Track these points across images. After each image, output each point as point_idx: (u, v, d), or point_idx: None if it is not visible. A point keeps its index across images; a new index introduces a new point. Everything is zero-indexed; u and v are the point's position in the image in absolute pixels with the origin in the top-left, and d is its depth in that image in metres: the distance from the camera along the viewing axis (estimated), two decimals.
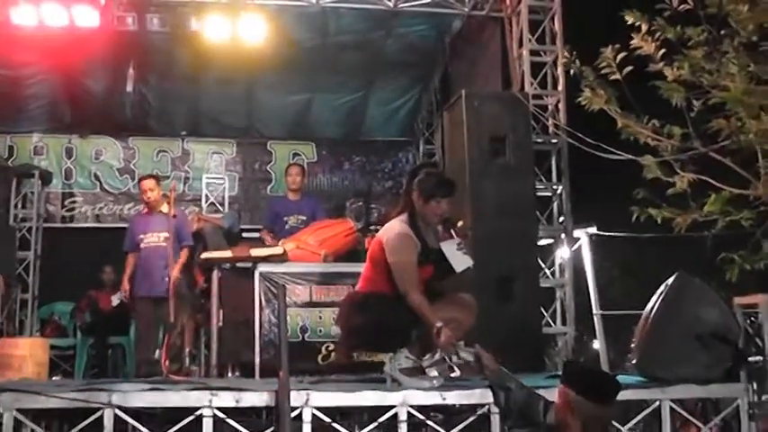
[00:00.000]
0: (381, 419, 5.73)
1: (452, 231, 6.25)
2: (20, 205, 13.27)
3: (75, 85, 13.25)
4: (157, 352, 9.81)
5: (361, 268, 8.57)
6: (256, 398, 5.67)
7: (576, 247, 10.51)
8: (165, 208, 9.87)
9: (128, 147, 14.11)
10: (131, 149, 14.10)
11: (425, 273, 6.18)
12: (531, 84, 10.64)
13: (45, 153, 13.95)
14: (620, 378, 6.79)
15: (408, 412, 5.73)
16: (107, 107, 13.51)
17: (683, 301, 6.35)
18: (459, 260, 6.17)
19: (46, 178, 13.59)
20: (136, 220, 10.29)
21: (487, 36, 11.61)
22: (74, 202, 13.94)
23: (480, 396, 5.86)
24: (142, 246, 9.69)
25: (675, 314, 6.29)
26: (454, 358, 5.86)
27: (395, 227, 6.20)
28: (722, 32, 7.49)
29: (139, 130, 14.02)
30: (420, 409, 5.80)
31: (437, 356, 6.21)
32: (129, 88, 12.81)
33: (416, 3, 11.16)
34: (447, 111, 9.67)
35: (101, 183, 14.00)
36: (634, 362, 6.47)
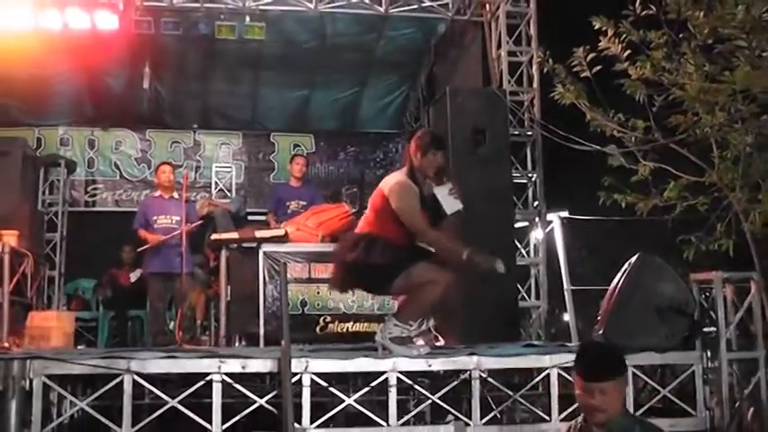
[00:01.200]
0: (373, 384, 5.75)
1: (444, 179, 6.21)
2: (47, 192, 13.27)
3: (96, 83, 13.24)
4: (171, 323, 9.84)
5: None
6: (261, 364, 5.68)
7: (548, 229, 10.53)
8: (176, 194, 9.96)
9: (144, 138, 14.11)
10: (148, 141, 14.11)
11: (424, 215, 6.13)
12: (509, 81, 10.65)
13: (70, 144, 13.96)
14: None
15: (398, 377, 5.74)
16: (126, 102, 13.50)
17: (645, 278, 6.37)
18: (450, 203, 6.18)
19: (71, 167, 13.59)
20: (149, 202, 10.28)
21: (469, 38, 11.60)
22: (96, 188, 13.94)
23: (462, 363, 5.88)
24: (156, 227, 9.67)
25: (637, 289, 6.31)
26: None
27: (395, 177, 6.24)
28: (681, 36, 7.50)
29: (155, 123, 14.02)
30: (408, 374, 5.81)
31: (423, 326, 6.23)
32: (146, 85, 12.80)
33: (405, 8, 11.15)
34: (433, 106, 9.66)
35: (120, 171, 14.00)
36: (600, 332, 6.48)
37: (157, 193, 10.08)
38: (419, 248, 6.15)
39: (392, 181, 6.22)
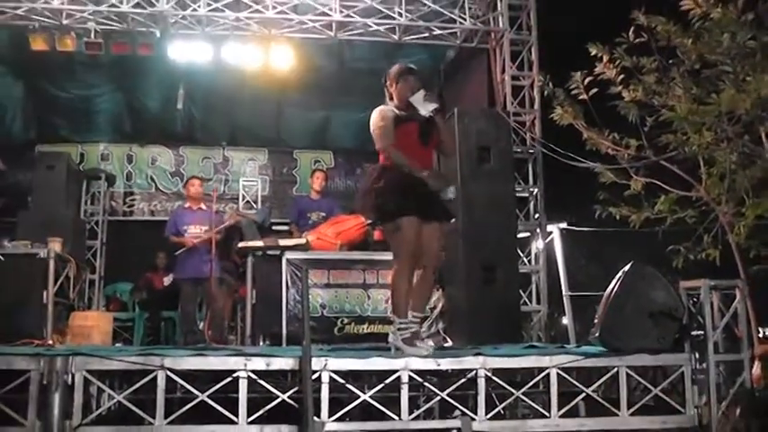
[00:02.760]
0: (387, 381, 5.71)
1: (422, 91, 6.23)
2: (89, 202, 13.33)
3: (135, 103, 13.27)
4: (201, 324, 9.83)
5: (371, 256, 8.58)
6: (283, 362, 5.65)
7: (548, 239, 10.49)
8: (203, 206, 9.95)
9: (178, 154, 14.17)
10: (181, 156, 14.17)
11: (411, 129, 6.21)
12: (512, 103, 10.62)
13: (110, 159, 14.01)
14: (585, 348, 6.80)
15: (409, 375, 5.70)
16: (161, 121, 13.54)
17: (638, 285, 6.32)
18: (425, 105, 6.19)
19: (110, 180, 13.65)
20: (180, 212, 10.24)
21: (476, 64, 11.57)
22: (133, 199, 13.98)
23: (469, 363, 5.85)
24: (185, 236, 9.67)
25: (631, 295, 6.26)
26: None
27: (375, 110, 6.38)
28: (670, 61, 7.48)
29: (188, 140, 14.04)
30: (419, 372, 5.77)
31: (433, 329, 6.22)
32: (180, 105, 12.82)
33: (417, 36, 11.14)
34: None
35: (155, 184, 14.05)
36: (596, 335, 6.44)
37: (186, 205, 10.07)
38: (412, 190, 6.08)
39: (372, 115, 6.38)
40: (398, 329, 6.09)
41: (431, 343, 6.22)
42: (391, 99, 6.42)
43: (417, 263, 6.15)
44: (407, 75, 6.38)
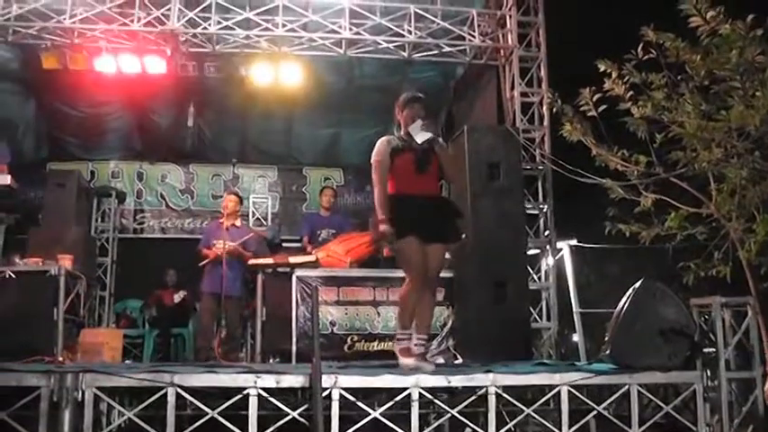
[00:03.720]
0: (397, 398, 5.70)
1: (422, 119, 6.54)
2: (99, 219, 13.39)
3: (145, 121, 13.32)
4: (213, 341, 9.83)
5: (381, 273, 8.61)
6: (293, 380, 5.64)
7: (558, 256, 10.47)
8: (238, 222, 10.10)
9: (188, 171, 14.19)
10: (191, 173, 14.19)
11: (407, 158, 6.54)
12: (521, 120, 10.62)
13: (120, 176, 14.04)
14: (595, 366, 6.78)
15: (420, 393, 5.69)
16: (171, 138, 13.56)
17: (648, 302, 6.30)
18: (420, 134, 6.46)
19: (121, 197, 13.69)
20: (214, 227, 10.29)
21: (485, 80, 11.57)
22: (143, 216, 14.00)
23: (479, 380, 5.83)
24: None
25: (642, 312, 6.24)
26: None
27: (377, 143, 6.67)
28: (680, 77, 7.46)
29: (198, 157, 14.03)
30: (429, 390, 5.76)
31: (443, 346, 6.22)
32: (190, 123, 12.86)
33: (426, 53, 11.16)
34: (452, 142, 9.62)
35: (166, 201, 14.08)
36: (607, 352, 6.42)
37: (221, 220, 10.12)
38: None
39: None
40: (397, 339, 6.42)
41: (441, 360, 6.24)
42: (399, 126, 6.72)
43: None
44: (413, 103, 6.66)
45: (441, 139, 6.66)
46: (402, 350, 6.35)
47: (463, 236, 6.71)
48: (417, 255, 6.32)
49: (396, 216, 6.33)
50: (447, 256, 6.80)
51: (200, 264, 9.78)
